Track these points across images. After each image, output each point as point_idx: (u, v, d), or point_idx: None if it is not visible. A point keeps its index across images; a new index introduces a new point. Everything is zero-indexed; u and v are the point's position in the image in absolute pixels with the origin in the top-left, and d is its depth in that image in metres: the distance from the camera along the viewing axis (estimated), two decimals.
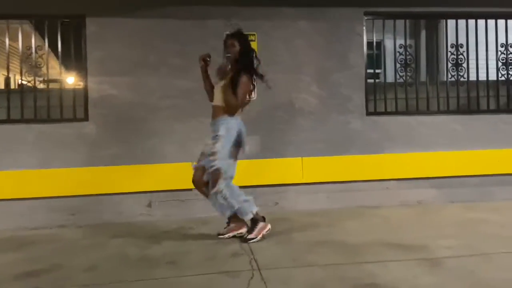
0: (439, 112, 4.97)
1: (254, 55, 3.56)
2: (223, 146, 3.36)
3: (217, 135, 3.40)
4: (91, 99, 4.46)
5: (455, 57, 5.01)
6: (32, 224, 4.21)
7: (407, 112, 4.92)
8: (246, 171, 4.49)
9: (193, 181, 3.54)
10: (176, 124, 4.50)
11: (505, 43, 5.09)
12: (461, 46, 5.01)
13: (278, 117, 4.67)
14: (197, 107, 4.39)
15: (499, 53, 5.08)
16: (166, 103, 4.50)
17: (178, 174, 4.41)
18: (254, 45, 4.59)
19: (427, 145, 4.83)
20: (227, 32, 3.59)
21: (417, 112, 4.94)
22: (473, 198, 4.76)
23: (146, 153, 4.48)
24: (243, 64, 3.45)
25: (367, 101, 4.85)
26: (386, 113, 4.89)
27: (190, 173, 4.38)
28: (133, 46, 4.50)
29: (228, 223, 3.60)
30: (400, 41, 4.97)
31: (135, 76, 4.49)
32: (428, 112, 4.95)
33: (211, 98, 3.59)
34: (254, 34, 4.63)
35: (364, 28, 4.84)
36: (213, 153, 3.35)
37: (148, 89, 4.50)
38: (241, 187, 4.36)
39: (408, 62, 4.95)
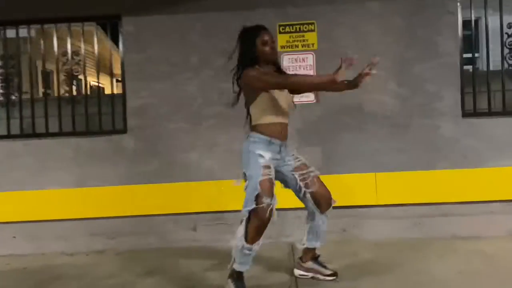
0: None
1: None
2: None
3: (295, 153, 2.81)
4: (129, 108, 3.98)
5: None
6: (71, 248, 3.87)
7: None
8: None
9: (267, 219, 2.54)
10: (220, 135, 3.85)
11: None
12: None
13: (345, 124, 3.79)
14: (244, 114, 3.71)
15: None
16: (209, 111, 3.86)
17: (225, 193, 3.80)
18: (313, 36, 3.77)
19: None
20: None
21: None
22: None
23: (189, 169, 3.90)
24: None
25: (463, 98, 3.76)
26: (489, 113, 3.75)
27: (236, 192, 3.74)
28: (171, 46, 3.91)
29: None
30: (508, 18, 3.77)
31: (174, 80, 3.91)
32: None
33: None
34: (313, 23, 3.78)
35: (459, 4, 3.73)
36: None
37: (189, 95, 3.89)
38: (299, 209, 3.63)
39: None
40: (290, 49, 3.80)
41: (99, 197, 3.92)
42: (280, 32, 3.79)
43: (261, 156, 2.57)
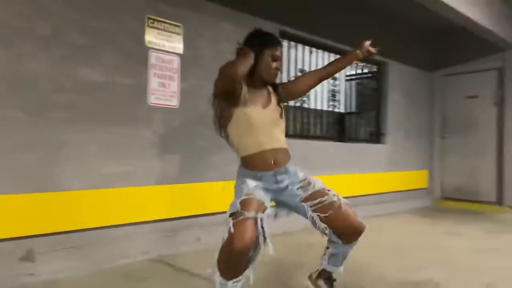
0: None
1: None
2: None
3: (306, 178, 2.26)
4: None
5: None
6: None
7: None
8: (168, 199, 3.53)
9: (244, 243, 1.94)
10: (72, 134, 3.00)
11: None
12: None
13: (200, 132, 3.81)
14: (105, 109, 3.13)
15: None
16: (59, 99, 2.95)
17: (74, 208, 3.00)
18: (179, 39, 3.68)
19: None
20: (267, 32, 2.29)
21: None
22: None
23: (24, 175, 2.80)
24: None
25: None
26: None
27: (89, 206, 3.13)
28: (13, 4, 2.76)
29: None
30: None
31: (12, 50, 2.76)
32: None
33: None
34: (180, 26, 3.67)
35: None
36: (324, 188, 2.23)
37: (31, 73, 2.84)
38: (164, 220, 3.48)
39: None
40: (158, 47, 3.50)
41: None
42: (149, 26, 3.44)
43: (244, 182, 2.16)
